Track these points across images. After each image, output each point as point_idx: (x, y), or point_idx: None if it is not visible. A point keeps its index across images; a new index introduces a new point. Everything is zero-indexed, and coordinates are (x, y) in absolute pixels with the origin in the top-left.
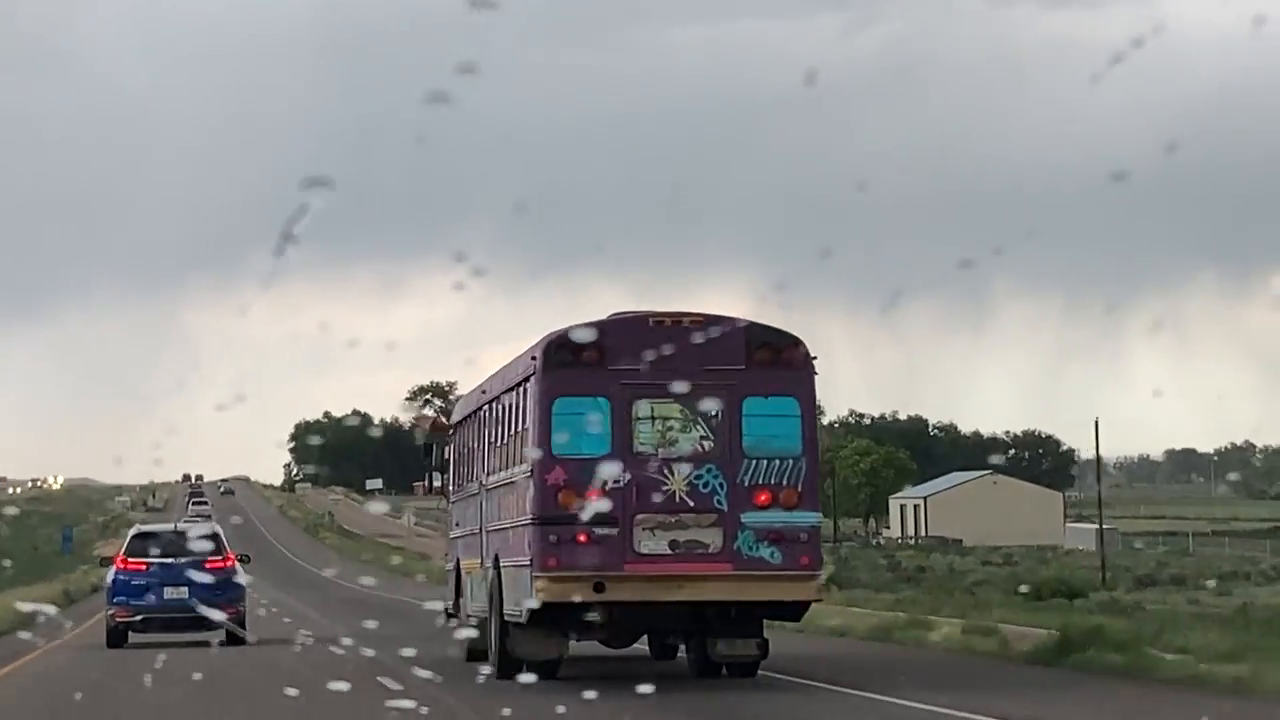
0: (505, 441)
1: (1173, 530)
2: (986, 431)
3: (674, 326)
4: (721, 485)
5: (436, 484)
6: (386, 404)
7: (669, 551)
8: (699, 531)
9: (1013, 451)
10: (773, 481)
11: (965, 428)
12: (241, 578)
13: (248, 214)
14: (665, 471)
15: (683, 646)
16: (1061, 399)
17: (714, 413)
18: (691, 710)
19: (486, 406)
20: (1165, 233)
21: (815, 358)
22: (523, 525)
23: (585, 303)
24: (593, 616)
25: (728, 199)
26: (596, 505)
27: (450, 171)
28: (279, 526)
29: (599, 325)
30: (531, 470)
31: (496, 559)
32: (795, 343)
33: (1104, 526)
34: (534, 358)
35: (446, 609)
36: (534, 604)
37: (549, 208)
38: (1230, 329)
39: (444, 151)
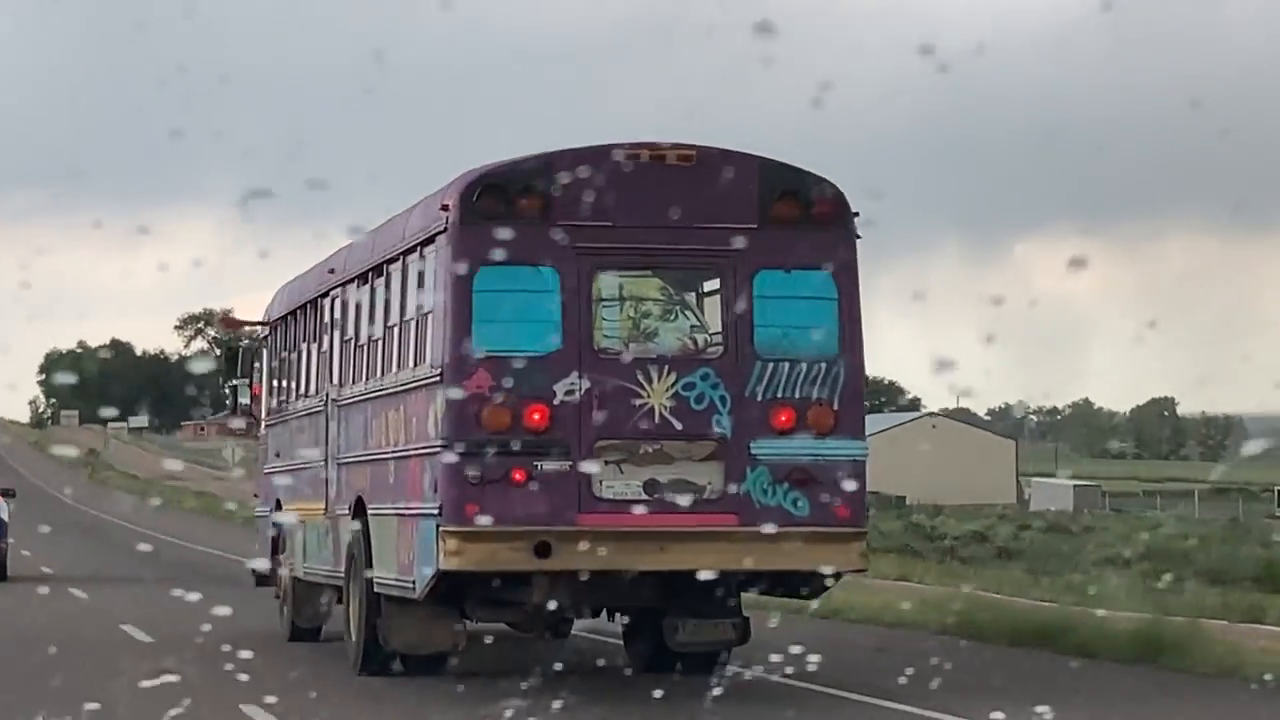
0: (379, 336)
1: (1128, 491)
2: None
3: (655, 164)
4: (723, 400)
5: (244, 402)
6: (153, 334)
7: (644, 496)
8: (689, 467)
9: None
10: (798, 394)
11: None
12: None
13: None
14: (640, 378)
15: (617, 623)
16: None
17: (712, 292)
18: None
19: (340, 290)
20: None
21: (858, 214)
22: (418, 455)
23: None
24: (523, 593)
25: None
26: (539, 427)
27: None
28: (41, 465)
29: (544, 160)
30: (439, 375)
31: (360, 503)
32: (831, 191)
33: (1079, 483)
34: (445, 207)
35: (256, 571)
36: (433, 572)
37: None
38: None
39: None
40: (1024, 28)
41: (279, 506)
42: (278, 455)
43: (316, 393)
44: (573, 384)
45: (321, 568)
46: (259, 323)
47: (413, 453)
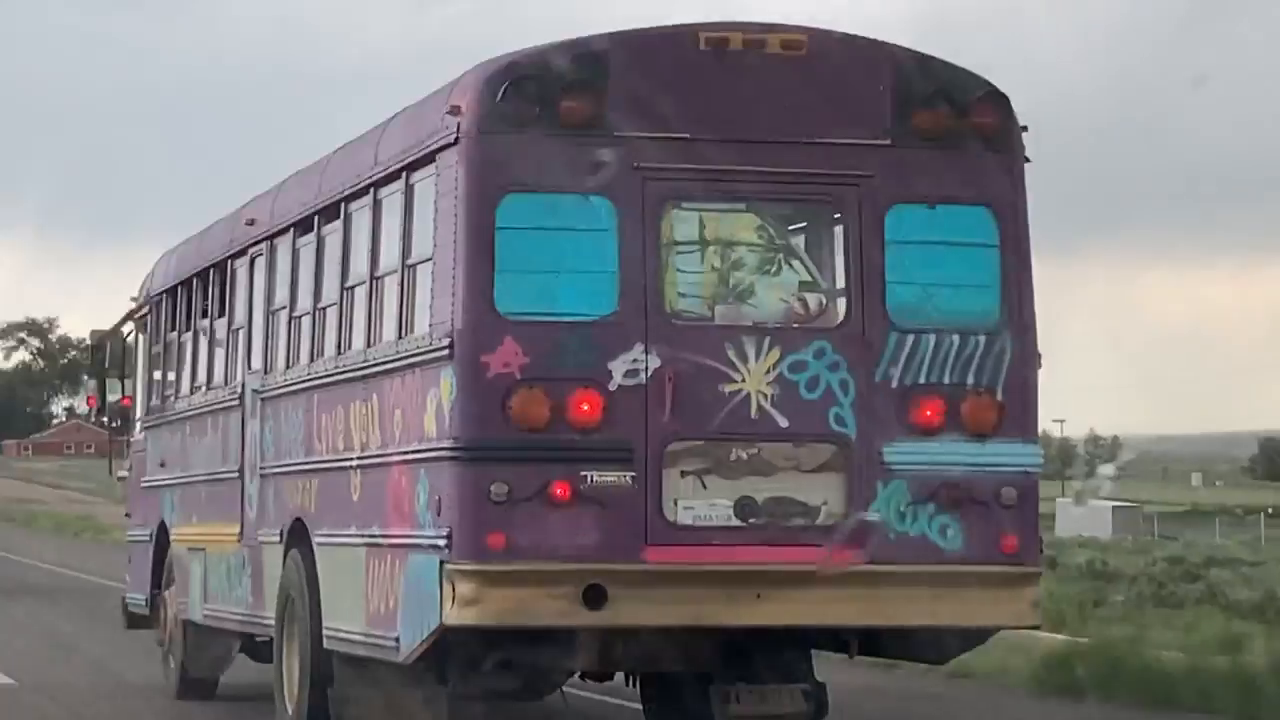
0: (332, 302)
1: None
2: None
3: (751, 54)
4: (844, 385)
5: (113, 398)
6: None
7: (736, 521)
8: (797, 481)
9: None
10: (948, 379)
11: None
12: None
13: None
14: (730, 355)
15: (635, 685)
16: None
17: (828, 235)
18: None
19: (264, 247)
20: None
21: (1026, 128)
22: (406, 462)
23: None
24: (557, 657)
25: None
26: (589, 422)
27: None
28: None
29: (597, 47)
30: (447, 347)
31: (298, 528)
32: (994, 96)
33: (1117, 503)
34: (455, 110)
35: (129, 604)
36: (434, 627)
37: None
38: None
39: None
40: None
41: (163, 529)
42: (162, 465)
43: (225, 383)
44: (636, 361)
45: (231, 611)
46: (131, 314)
47: (396, 459)
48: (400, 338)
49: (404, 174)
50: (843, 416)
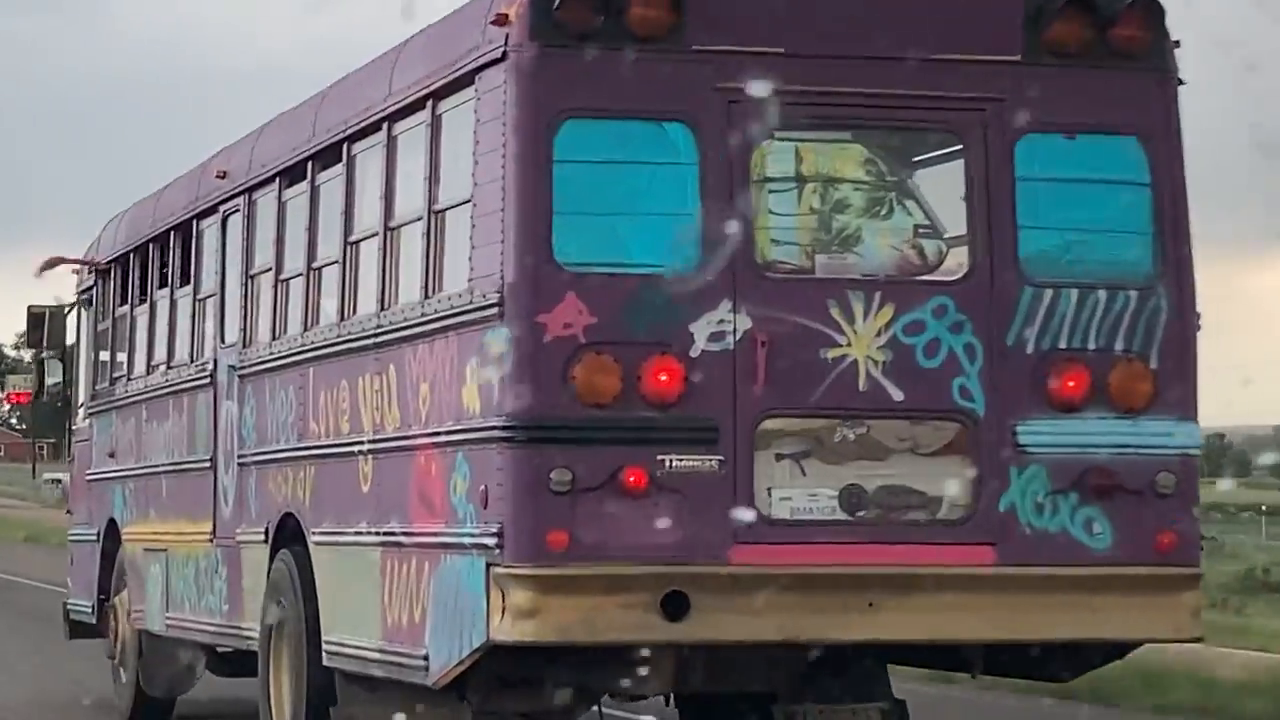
0: (332, 258)
1: None
2: None
3: None
4: (970, 351)
5: (52, 381)
6: None
7: (842, 515)
8: (914, 465)
9: None
10: (1092, 344)
11: None
12: None
13: None
14: (834, 314)
15: (672, 704)
16: None
17: (948, 171)
18: None
19: (240, 201)
20: None
21: (1178, 43)
22: (437, 445)
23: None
24: (626, 678)
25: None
26: (667, 395)
27: None
28: None
29: None
30: (495, 304)
31: (289, 526)
32: (1141, 5)
33: None
34: (501, 19)
35: (71, 611)
36: (479, 644)
37: None
38: None
39: None
40: None
41: (113, 528)
42: (111, 455)
43: (191, 360)
44: (723, 322)
45: (201, 621)
46: (85, 266)
47: (423, 442)
48: (427, 298)
49: (429, 103)
50: (968, 389)
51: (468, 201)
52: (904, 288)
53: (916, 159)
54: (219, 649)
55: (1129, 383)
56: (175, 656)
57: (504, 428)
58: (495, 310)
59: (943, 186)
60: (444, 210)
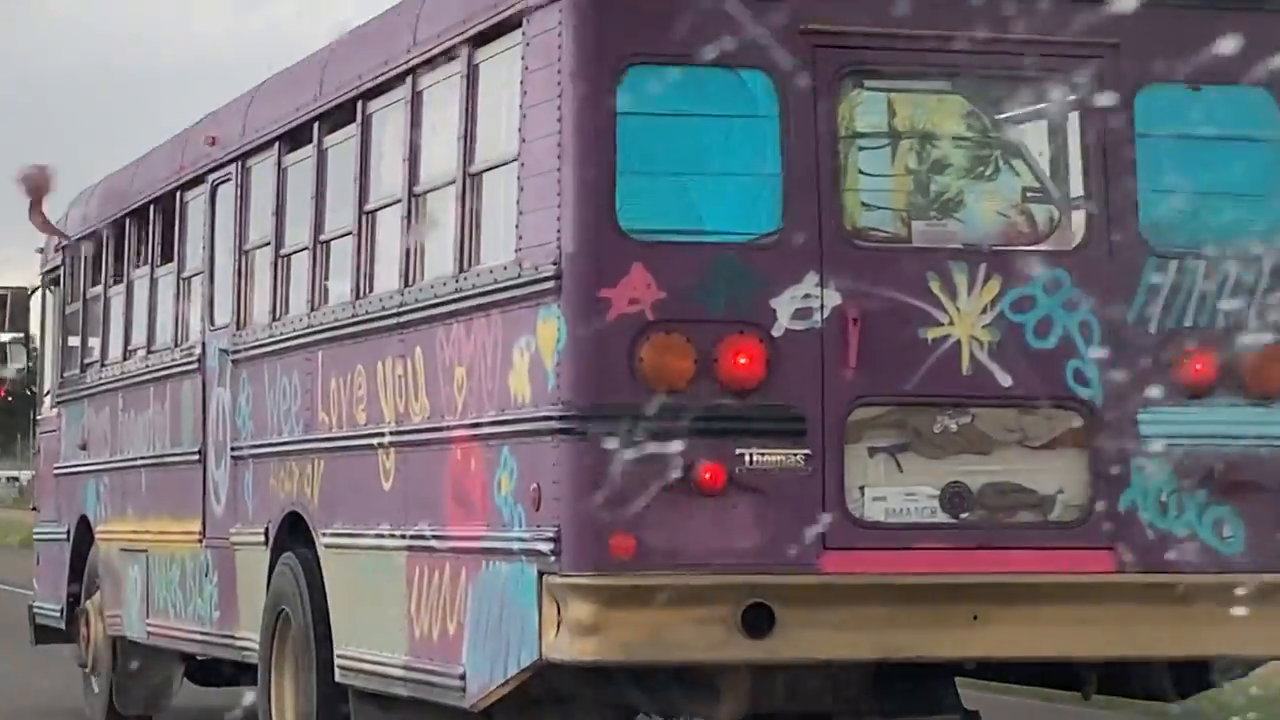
0: (345, 230)
1: None
2: None
3: None
4: (1086, 330)
5: (18, 366)
6: None
7: (945, 517)
8: (1024, 459)
9: None
10: (1222, 322)
11: None
12: None
13: None
14: (934, 288)
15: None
16: None
17: (1061, 128)
18: None
19: (233, 170)
20: None
21: None
22: (477, 437)
23: None
24: (695, 702)
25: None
26: (747, 379)
27: None
28: None
29: None
30: (552, 276)
31: (293, 525)
32: None
33: None
34: None
35: (38, 614)
36: (530, 662)
37: None
38: None
39: None
40: None
41: (85, 526)
42: (83, 447)
43: (176, 343)
44: (809, 297)
45: (188, 629)
46: (61, 237)
47: (459, 433)
48: (461, 271)
49: (464, 51)
50: (1085, 373)
51: (513, 161)
52: (1012, 259)
53: (1024, 113)
54: (199, 657)
55: (1265, 365)
56: (153, 666)
57: (560, 418)
58: (550, 284)
59: (1054, 145)
60: (482, 172)
